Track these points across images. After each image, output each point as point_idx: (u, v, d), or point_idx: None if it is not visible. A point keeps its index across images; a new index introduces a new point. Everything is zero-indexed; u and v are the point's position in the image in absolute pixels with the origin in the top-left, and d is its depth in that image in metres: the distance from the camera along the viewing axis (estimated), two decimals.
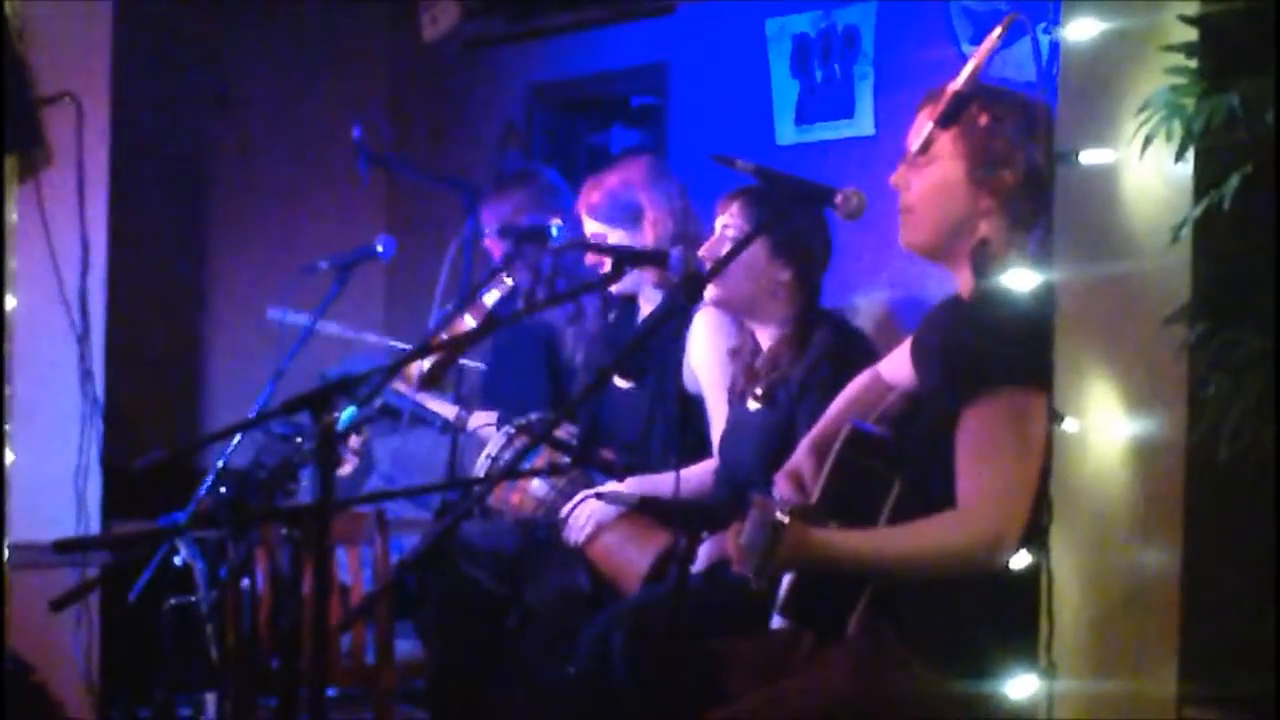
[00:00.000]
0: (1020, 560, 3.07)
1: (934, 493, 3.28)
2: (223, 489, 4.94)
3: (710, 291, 4.50)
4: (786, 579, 3.58)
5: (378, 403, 5.32)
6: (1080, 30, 2.81)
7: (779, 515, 3.33)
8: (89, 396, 6.00)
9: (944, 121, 3.29)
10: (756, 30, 5.90)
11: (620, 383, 5.08)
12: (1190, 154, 2.59)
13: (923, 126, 3.36)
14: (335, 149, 7.02)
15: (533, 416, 5.14)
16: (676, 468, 4.63)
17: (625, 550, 4.74)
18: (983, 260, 3.40)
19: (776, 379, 4.47)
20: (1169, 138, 2.59)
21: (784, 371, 4.47)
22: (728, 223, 4.51)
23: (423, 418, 5.51)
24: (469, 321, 5.27)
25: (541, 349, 5.48)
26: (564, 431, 5.16)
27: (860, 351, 4.43)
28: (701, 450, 4.81)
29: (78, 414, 5.99)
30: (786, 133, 5.80)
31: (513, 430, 4.99)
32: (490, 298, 5.36)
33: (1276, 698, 2.58)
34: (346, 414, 4.19)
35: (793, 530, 3.32)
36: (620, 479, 4.77)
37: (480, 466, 4.94)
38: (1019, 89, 3.47)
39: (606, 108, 7.14)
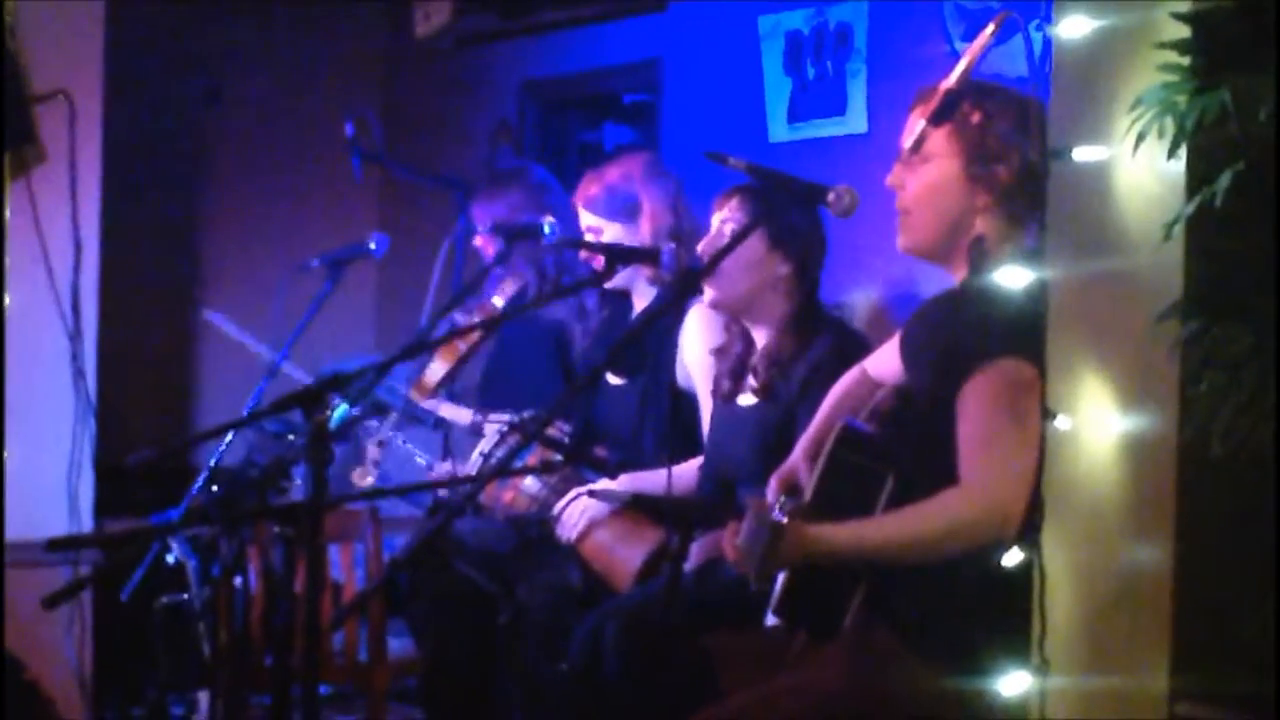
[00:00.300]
0: (1013, 557, 3.07)
1: (929, 486, 3.28)
2: (215, 487, 4.93)
3: (708, 293, 4.50)
4: (780, 577, 3.57)
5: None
6: (1073, 27, 2.81)
7: (778, 515, 3.32)
8: (81, 395, 6.00)
9: (936, 119, 3.29)
10: (749, 27, 5.89)
11: (613, 379, 5.08)
12: (1183, 151, 2.59)
13: (916, 125, 3.36)
14: (328, 146, 7.02)
15: (527, 414, 5.15)
16: (669, 465, 4.64)
17: (618, 548, 4.75)
18: (979, 256, 3.41)
19: (775, 375, 4.46)
20: (1161, 135, 2.59)
21: (783, 368, 4.45)
22: (726, 218, 4.50)
23: (415, 416, 5.51)
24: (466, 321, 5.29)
25: (553, 346, 5.48)
26: (556, 429, 5.16)
27: (862, 352, 4.42)
28: (694, 447, 4.81)
29: (70, 412, 5.99)
30: (779, 130, 5.80)
31: (505, 428, 4.99)
32: (499, 298, 5.38)
33: (1276, 695, 2.58)
34: (339, 412, 4.18)
35: (792, 529, 3.31)
36: (612, 476, 4.76)
37: (473, 464, 4.94)
38: (1011, 84, 3.47)
39: (599, 104, 7.13)
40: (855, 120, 5.53)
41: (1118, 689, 2.73)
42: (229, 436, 4.89)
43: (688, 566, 4.37)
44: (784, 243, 4.49)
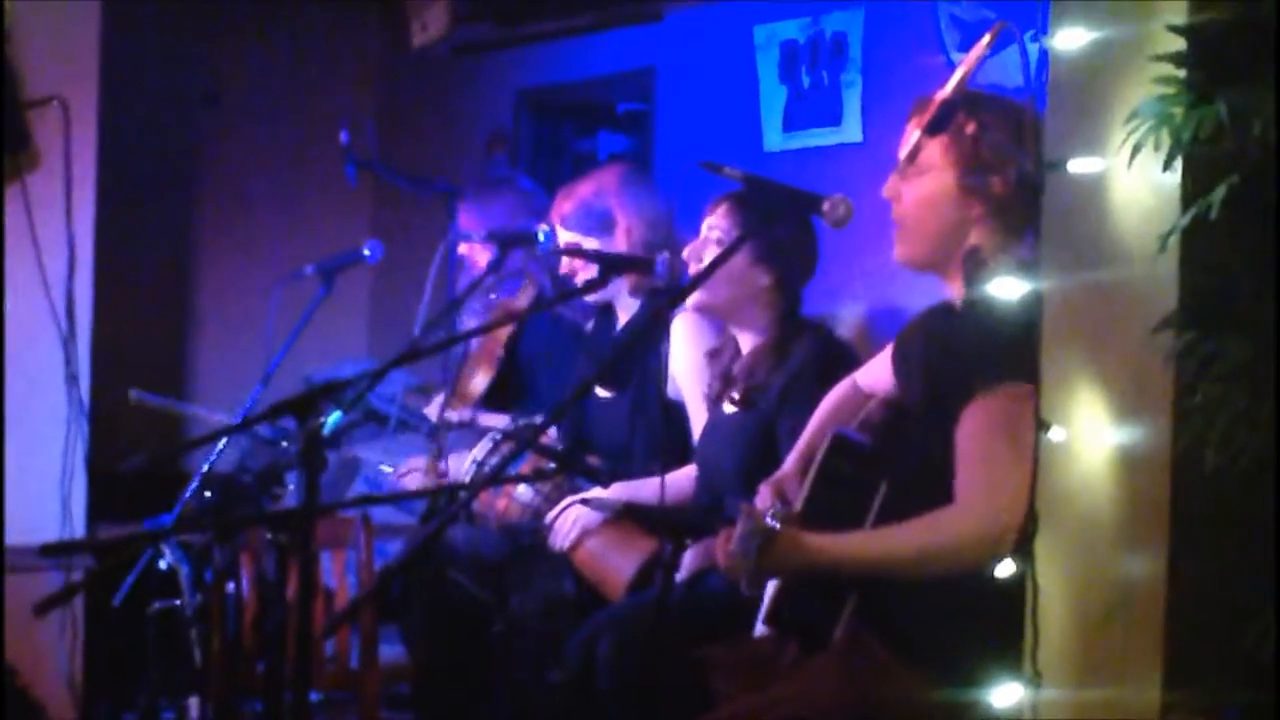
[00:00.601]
0: (1006, 569, 3.07)
1: (921, 498, 3.28)
2: (208, 493, 4.93)
3: (691, 298, 4.50)
4: (771, 587, 3.57)
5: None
6: (1069, 39, 2.81)
7: (770, 522, 3.32)
8: (74, 400, 6.00)
9: (932, 130, 3.29)
10: (744, 37, 5.90)
11: (602, 393, 5.08)
12: (1178, 163, 2.59)
13: (912, 136, 3.36)
14: (323, 153, 7.02)
15: (497, 426, 5.16)
16: (661, 474, 4.63)
17: (610, 556, 4.74)
18: (973, 268, 3.40)
19: (753, 387, 4.46)
20: (1157, 147, 2.59)
21: (762, 379, 4.46)
22: (713, 225, 4.51)
23: (409, 423, 5.51)
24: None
25: (575, 350, 5.49)
26: (549, 437, 5.17)
27: (844, 361, 4.42)
28: (685, 456, 4.81)
29: (63, 417, 5.99)
30: (774, 139, 5.81)
31: (499, 436, 4.99)
32: (520, 302, 5.41)
33: (1270, 709, 2.58)
34: (332, 418, 4.18)
35: (785, 537, 3.31)
36: (605, 485, 4.77)
37: (466, 472, 4.94)
38: (1010, 95, 3.47)
39: (593, 113, 7.14)
40: (850, 130, 5.54)
41: (1110, 701, 2.73)
42: (222, 443, 4.89)
43: (680, 576, 4.38)
44: (767, 256, 4.49)
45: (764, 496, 3.73)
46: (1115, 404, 2.74)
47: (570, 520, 4.78)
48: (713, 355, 4.67)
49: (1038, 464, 2.86)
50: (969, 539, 3.20)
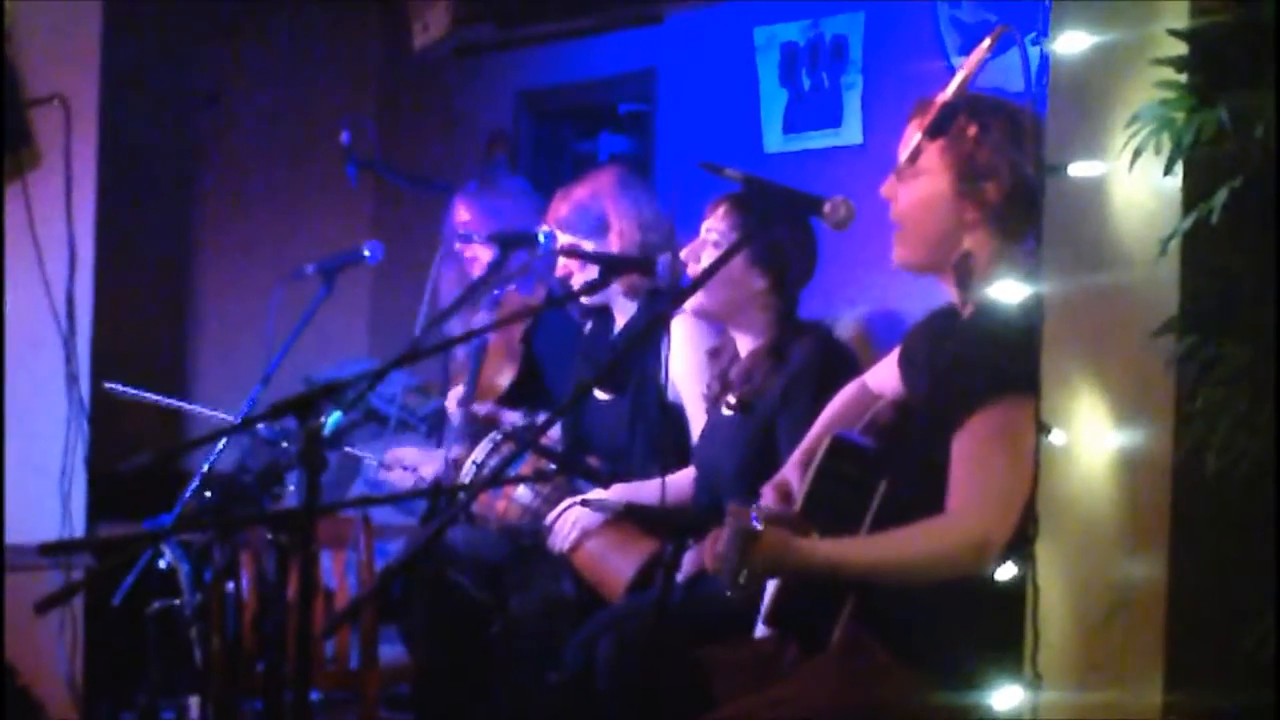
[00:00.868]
0: (1006, 571, 3.07)
1: (921, 501, 3.28)
2: (208, 493, 4.93)
3: (689, 300, 4.51)
4: (771, 587, 3.58)
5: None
6: (1070, 43, 2.81)
7: (754, 524, 3.33)
8: (74, 399, 6.00)
9: (932, 132, 3.29)
10: (745, 38, 5.90)
11: (601, 395, 5.08)
12: (1179, 167, 2.59)
13: (912, 138, 3.36)
14: (324, 153, 7.02)
15: (518, 422, 5.16)
16: (661, 475, 4.63)
17: (610, 558, 4.74)
18: (965, 273, 3.40)
19: (750, 390, 4.46)
20: (1158, 151, 2.59)
21: (759, 382, 4.46)
22: (711, 226, 4.51)
23: (408, 423, 5.52)
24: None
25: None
26: (549, 438, 5.17)
27: (843, 363, 4.42)
28: (684, 458, 4.81)
29: (63, 417, 5.99)
30: (774, 141, 5.81)
31: (499, 437, 4.99)
32: (534, 300, 5.43)
33: (1270, 711, 2.58)
34: (332, 419, 4.19)
35: (770, 538, 3.32)
36: (605, 486, 4.77)
37: (466, 473, 4.94)
38: (1012, 98, 3.47)
39: (594, 114, 7.14)
40: (850, 132, 5.54)
41: (1111, 704, 2.73)
42: (222, 442, 4.89)
43: (680, 577, 4.38)
44: (765, 258, 4.48)
45: (767, 496, 3.73)
46: (1116, 407, 2.74)
47: (570, 521, 4.78)
48: (714, 354, 4.67)
49: (1038, 469, 2.86)
50: (955, 550, 3.21)
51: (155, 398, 5.49)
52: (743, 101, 5.91)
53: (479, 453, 4.96)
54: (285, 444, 5.01)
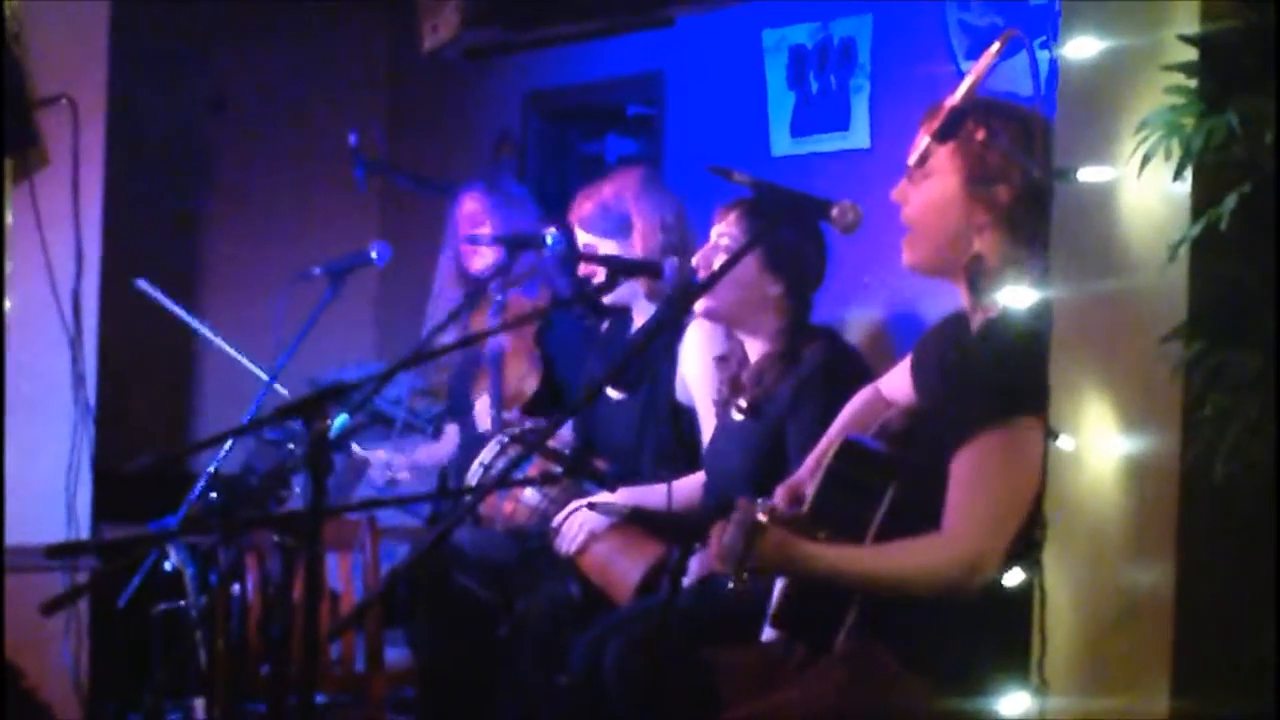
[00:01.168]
0: (1013, 577, 3.07)
1: (929, 508, 3.28)
2: (213, 494, 4.93)
3: (700, 302, 4.51)
4: (777, 590, 3.58)
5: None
6: (1079, 48, 2.80)
7: (759, 516, 3.34)
8: (80, 400, 5.99)
9: (941, 136, 3.29)
10: (753, 41, 5.90)
11: (613, 394, 5.08)
12: (1189, 173, 2.59)
13: (922, 141, 3.36)
14: (331, 155, 7.02)
15: (527, 425, 5.15)
16: (669, 479, 4.63)
17: (617, 561, 4.74)
18: (976, 277, 3.40)
19: (761, 393, 4.46)
20: (1167, 157, 2.58)
21: (769, 386, 4.46)
22: (723, 231, 4.51)
23: (414, 426, 5.52)
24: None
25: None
26: (557, 441, 5.16)
27: (854, 368, 4.43)
28: (693, 461, 4.81)
29: (69, 417, 5.98)
30: (782, 144, 5.80)
31: (506, 439, 4.99)
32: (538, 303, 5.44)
33: (1275, 715, 2.58)
34: (339, 421, 4.19)
35: (772, 534, 3.33)
36: (612, 489, 4.77)
37: (473, 475, 4.94)
38: (1023, 102, 3.46)
39: (602, 116, 7.14)
40: (858, 135, 5.52)
41: (1118, 710, 2.73)
42: (228, 444, 4.89)
43: (687, 580, 4.37)
44: (776, 263, 4.48)
45: (779, 498, 3.74)
46: (1124, 413, 2.74)
47: (577, 524, 4.78)
48: (721, 360, 4.67)
49: (1045, 472, 2.86)
50: (947, 569, 3.23)
51: (175, 308, 5.50)
52: (750, 104, 5.90)
53: (486, 454, 4.96)
54: (291, 446, 5.01)
